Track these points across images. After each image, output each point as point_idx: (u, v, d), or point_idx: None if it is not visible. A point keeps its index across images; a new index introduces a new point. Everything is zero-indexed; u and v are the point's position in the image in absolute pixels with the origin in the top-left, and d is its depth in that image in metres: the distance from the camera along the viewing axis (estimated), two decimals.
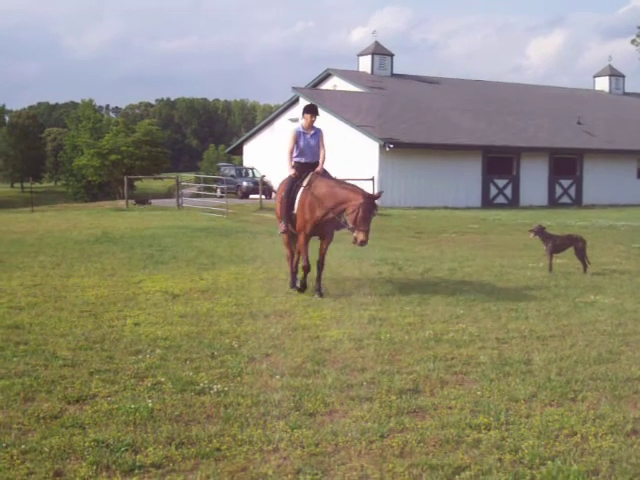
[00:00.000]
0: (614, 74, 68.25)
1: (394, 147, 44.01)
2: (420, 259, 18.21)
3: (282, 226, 13.96)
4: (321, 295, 13.22)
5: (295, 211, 13.69)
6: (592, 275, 16.09)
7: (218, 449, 6.22)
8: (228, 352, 9.26)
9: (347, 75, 56.22)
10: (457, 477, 5.78)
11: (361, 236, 12.74)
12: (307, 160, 14.04)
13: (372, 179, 38.71)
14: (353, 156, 43.67)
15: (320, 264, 13.69)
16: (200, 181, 59.07)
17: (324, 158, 14.08)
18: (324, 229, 13.67)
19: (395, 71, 58.88)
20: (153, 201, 47.00)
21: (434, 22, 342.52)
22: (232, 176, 55.55)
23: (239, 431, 6.59)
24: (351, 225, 12.94)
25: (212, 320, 11.10)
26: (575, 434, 6.61)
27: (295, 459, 6.05)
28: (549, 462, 6.00)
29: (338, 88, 53.89)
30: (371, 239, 13.27)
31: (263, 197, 42.60)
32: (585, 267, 16.50)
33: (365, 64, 58.09)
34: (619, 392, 7.85)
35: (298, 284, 13.88)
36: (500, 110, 54.49)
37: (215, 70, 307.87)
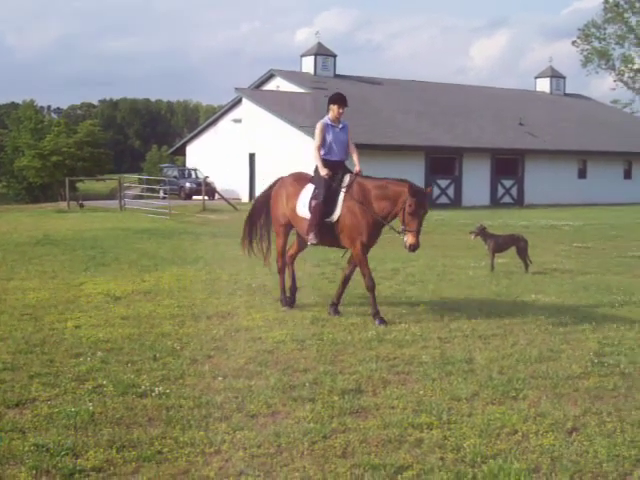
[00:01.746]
0: (555, 75, 68.96)
1: None
2: None
3: (312, 237, 11.70)
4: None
5: (336, 219, 11.56)
6: (533, 274, 16.28)
7: (160, 452, 6.18)
8: (170, 354, 9.21)
9: (290, 76, 56.04)
10: (399, 477, 5.80)
11: (410, 238, 10.87)
12: (336, 158, 11.97)
13: None
14: (296, 157, 43.42)
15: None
16: (143, 182, 58.65)
17: (358, 156, 12.14)
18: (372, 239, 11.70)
19: (338, 72, 58.79)
20: (95, 202, 46.49)
21: (378, 23, 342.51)
22: (175, 177, 55.37)
23: (181, 433, 6.56)
24: (401, 227, 11.09)
25: (154, 322, 11.02)
26: (516, 432, 6.69)
27: (237, 461, 6.03)
28: (491, 460, 6.05)
29: (281, 89, 53.67)
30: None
31: (206, 198, 42.44)
32: (527, 266, 16.69)
33: (308, 65, 57.89)
34: (560, 390, 7.95)
35: (375, 312, 11.42)
36: (443, 111, 54.80)
37: (158, 70, 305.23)
